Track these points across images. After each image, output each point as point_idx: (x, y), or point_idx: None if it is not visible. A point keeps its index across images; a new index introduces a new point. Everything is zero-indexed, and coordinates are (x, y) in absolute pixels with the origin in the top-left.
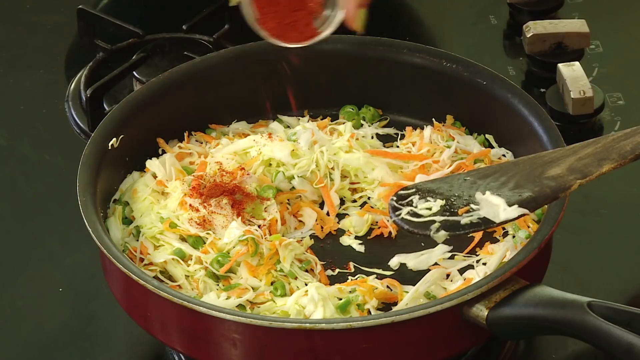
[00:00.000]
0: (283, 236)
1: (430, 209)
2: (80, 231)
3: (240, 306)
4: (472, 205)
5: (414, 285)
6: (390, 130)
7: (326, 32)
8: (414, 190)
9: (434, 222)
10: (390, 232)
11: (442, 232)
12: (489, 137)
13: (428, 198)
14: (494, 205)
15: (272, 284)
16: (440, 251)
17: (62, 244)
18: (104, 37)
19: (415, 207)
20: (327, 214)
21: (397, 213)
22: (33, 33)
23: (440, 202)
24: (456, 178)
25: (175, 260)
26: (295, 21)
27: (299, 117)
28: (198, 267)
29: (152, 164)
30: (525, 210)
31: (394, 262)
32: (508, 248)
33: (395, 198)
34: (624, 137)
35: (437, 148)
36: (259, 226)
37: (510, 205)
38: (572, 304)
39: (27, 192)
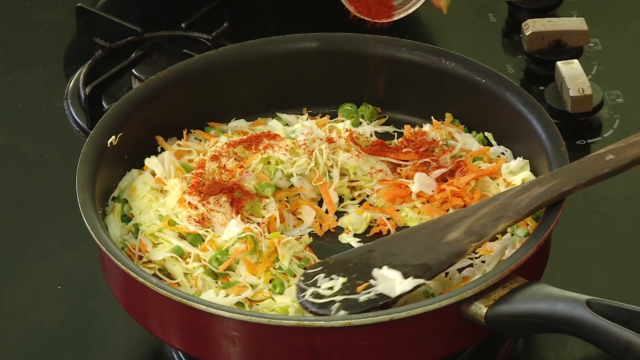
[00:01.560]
0: (282, 234)
1: (332, 288)
2: (79, 229)
3: (239, 304)
4: (371, 281)
5: None
6: (389, 129)
7: (412, 9)
8: (320, 267)
9: (334, 302)
10: (389, 230)
11: (342, 312)
12: (488, 135)
13: (332, 276)
14: (390, 280)
15: (270, 281)
16: None
17: (61, 242)
18: (102, 35)
19: (319, 287)
20: (326, 211)
21: (302, 295)
22: (32, 31)
23: (342, 280)
24: (360, 251)
25: (174, 258)
26: None
27: (298, 115)
28: (197, 264)
29: (150, 162)
30: (421, 281)
31: None
32: (507, 246)
33: (303, 278)
34: (522, 191)
35: (436, 146)
36: (257, 224)
37: (406, 277)
38: (570, 302)
39: (26, 189)
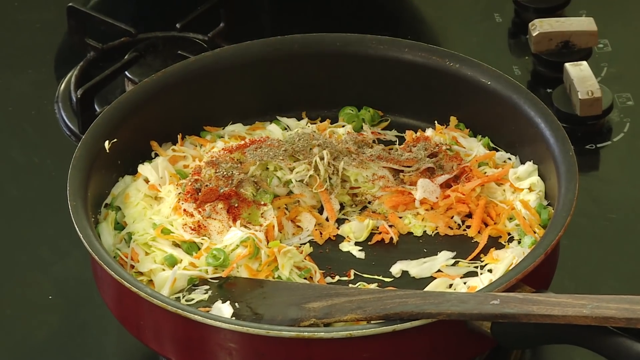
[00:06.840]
0: (281, 242)
1: (192, 299)
2: (71, 237)
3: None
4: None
5: None
6: (391, 134)
7: None
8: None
9: None
10: (391, 238)
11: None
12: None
13: (208, 291)
14: (218, 311)
15: None
16: (443, 258)
17: (52, 250)
18: (95, 36)
19: (190, 294)
20: (327, 219)
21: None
22: (21, 32)
23: (203, 297)
24: (252, 282)
25: (161, 269)
26: None
27: (297, 119)
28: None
29: (144, 169)
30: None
31: (396, 269)
32: (515, 255)
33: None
34: (399, 297)
35: (440, 151)
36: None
37: (237, 317)
38: None
39: (16, 196)
